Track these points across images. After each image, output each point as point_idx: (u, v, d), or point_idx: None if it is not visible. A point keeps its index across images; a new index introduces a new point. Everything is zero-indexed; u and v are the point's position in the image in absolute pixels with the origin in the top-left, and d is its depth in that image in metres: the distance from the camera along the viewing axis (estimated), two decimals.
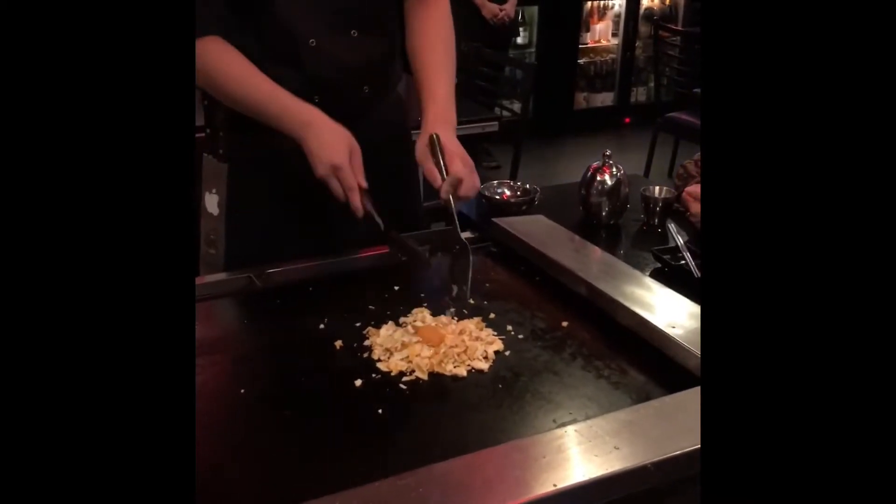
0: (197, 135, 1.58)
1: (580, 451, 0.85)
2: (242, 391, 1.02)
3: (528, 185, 1.67)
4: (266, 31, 1.29)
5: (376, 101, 1.40)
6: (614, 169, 1.61)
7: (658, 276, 1.37)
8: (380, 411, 0.98)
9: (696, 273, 1.34)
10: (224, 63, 1.26)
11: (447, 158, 1.24)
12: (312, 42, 1.29)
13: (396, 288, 1.31)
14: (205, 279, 1.32)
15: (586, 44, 5.82)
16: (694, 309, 1.13)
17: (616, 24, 5.89)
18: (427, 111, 1.32)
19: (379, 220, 1.26)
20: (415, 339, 1.11)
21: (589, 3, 5.73)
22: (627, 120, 5.94)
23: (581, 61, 5.79)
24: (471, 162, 1.27)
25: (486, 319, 1.19)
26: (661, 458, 0.84)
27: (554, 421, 0.96)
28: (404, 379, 1.04)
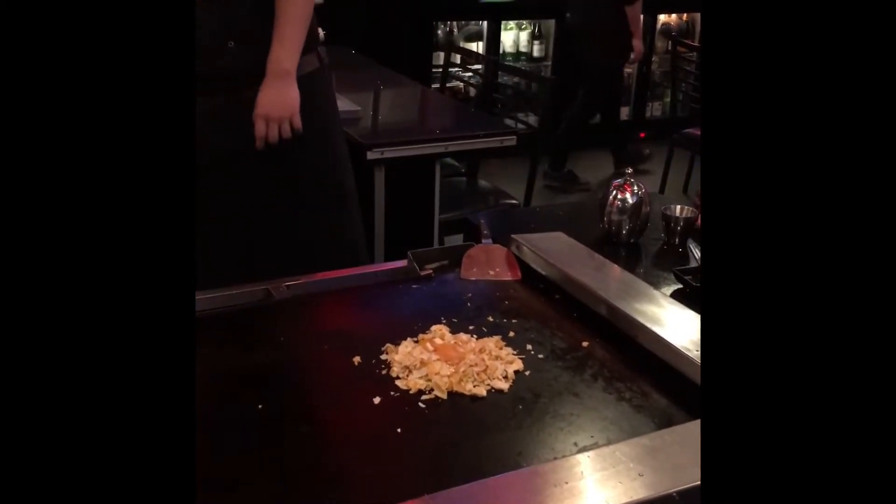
0: None
1: (603, 477, 0.84)
2: (259, 406, 1.01)
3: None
4: None
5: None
6: (635, 187, 1.59)
7: (679, 296, 1.35)
8: (398, 430, 0.97)
9: None
10: None
11: None
12: None
13: (415, 304, 1.30)
14: (222, 290, 1.31)
15: None
16: None
17: None
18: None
19: None
20: (434, 356, 1.09)
21: None
22: (643, 134, 5.91)
23: None
24: None
25: (505, 338, 1.18)
26: (686, 486, 0.82)
27: (575, 444, 0.95)
28: (423, 397, 1.03)
